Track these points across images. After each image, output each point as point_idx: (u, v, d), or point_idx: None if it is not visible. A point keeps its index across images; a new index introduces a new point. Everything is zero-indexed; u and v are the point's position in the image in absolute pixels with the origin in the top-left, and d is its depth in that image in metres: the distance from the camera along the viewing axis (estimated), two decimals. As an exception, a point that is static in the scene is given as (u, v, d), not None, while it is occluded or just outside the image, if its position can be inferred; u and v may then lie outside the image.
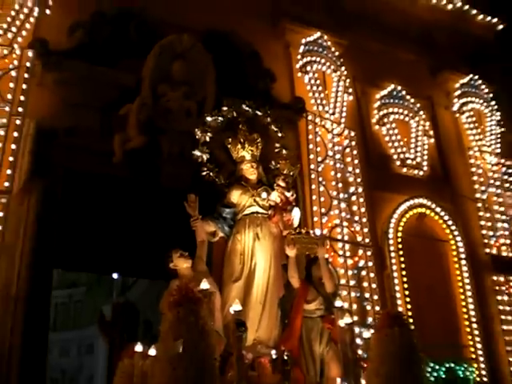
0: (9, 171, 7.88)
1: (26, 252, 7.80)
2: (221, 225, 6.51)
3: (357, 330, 8.68)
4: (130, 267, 10.41)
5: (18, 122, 8.16)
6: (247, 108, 7.08)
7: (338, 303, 5.74)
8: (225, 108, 7.00)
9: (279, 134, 7.23)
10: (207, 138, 6.82)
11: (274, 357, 5.47)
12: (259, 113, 7.15)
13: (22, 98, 8.30)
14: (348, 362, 5.33)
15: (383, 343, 5.07)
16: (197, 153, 6.78)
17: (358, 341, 7.04)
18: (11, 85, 8.33)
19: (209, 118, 6.92)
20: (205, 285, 5.07)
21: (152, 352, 5.08)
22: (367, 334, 5.43)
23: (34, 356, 7.52)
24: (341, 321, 5.46)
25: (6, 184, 7.82)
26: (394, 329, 5.09)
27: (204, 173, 6.76)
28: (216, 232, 6.58)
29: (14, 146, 8.02)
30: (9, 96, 8.26)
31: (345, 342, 5.39)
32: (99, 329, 20.22)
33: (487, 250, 11.49)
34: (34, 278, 7.73)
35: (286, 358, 5.41)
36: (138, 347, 5.41)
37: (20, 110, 8.24)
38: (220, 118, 6.99)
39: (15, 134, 8.08)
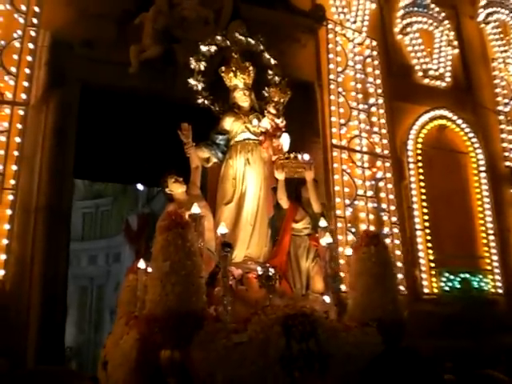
0: (26, 83, 7.89)
1: (45, 163, 7.94)
2: (214, 151, 6.67)
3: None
4: (154, 178, 10.55)
5: (33, 33, 8.10)
6: (240, 37, 7.13)
7: (322, 223, 5.99)
8: (218, 37, 7.05)
9: (272, 62, 7.27)
10: (202, 67, 6.87)
11: (260, 272, 5.74)
12: (252, 41, 7.17)
13: (36, 9, 8.21)
14: (327, 278, 5.67)
15: (360, 260, 5.33)
16: (192, 81, 6.84)
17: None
18: (25, -5, 8.21)
19: (202, 47, 6.96)
20: (195, 209, 5.34)
21: (150, 269, 5.35)
22: (349, 251, 5.66)
23: (55, 266, 7.77)
24: (322, 240, 5.72)
25: (24, 96, 7.85)
26: (370, 247, 5.33)
27: (199, 100, 6.84)
28: (210, 158, 6.74)
29: (29, 58, 8.00)
30: (23, 7, 8.16)
31: (325, 260, 5.70)
32: (125, 238, 20.72)
33: (507, 163, 11.44)
34: (53, 188, 7.90)
35: (270, 274, 5.67)
36: (141, 264, 5.70)
37: (35, 21, 8.17)
38: (214, 47, 7.02)
39: (31, 46, 8.05)
